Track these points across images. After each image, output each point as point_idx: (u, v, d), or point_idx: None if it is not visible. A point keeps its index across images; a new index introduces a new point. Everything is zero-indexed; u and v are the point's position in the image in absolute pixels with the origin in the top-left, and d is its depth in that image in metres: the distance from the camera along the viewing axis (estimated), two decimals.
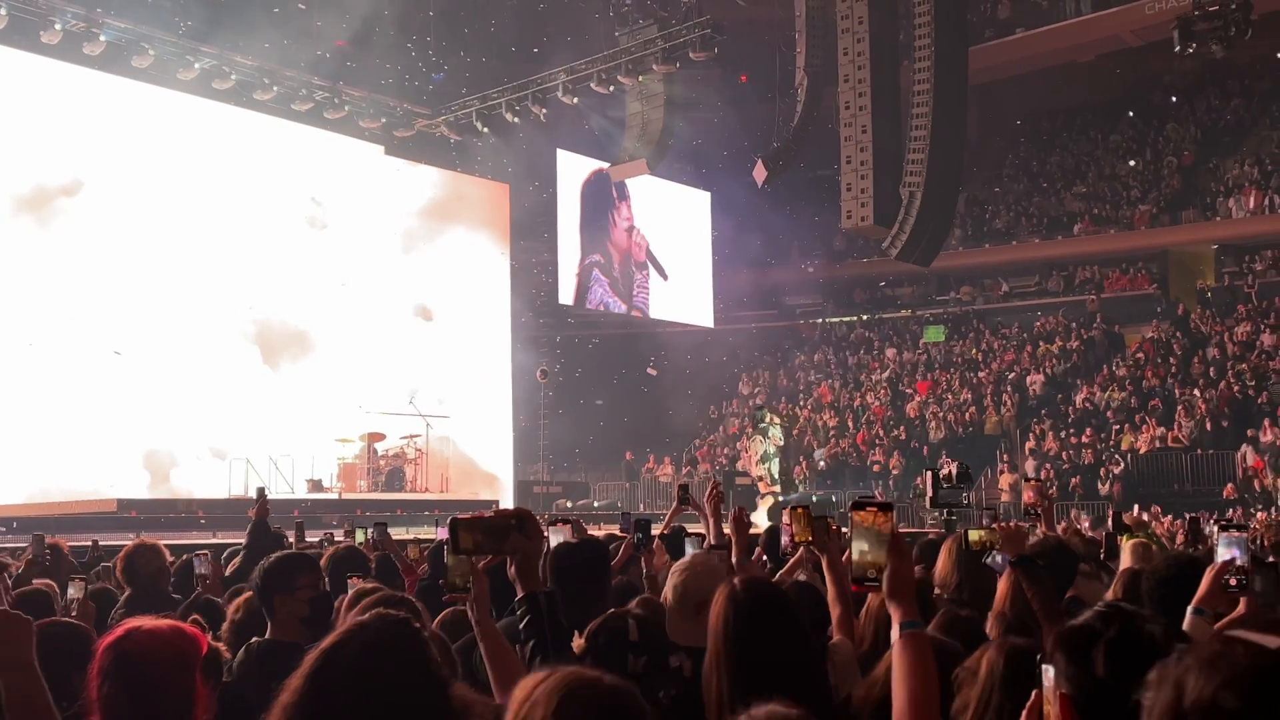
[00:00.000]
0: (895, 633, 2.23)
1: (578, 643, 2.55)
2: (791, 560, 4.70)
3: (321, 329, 21.81)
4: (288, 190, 21.69)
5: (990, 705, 2.61)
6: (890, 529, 2.24)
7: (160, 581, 5.12)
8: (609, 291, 27.27)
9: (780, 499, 21.18)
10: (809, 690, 2.38)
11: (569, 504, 22.42)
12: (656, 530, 5.88)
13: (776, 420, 20.03)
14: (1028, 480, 6.13)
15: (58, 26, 18.08)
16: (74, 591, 4.37)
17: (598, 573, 3.92)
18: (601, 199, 27.21)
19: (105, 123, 19.16)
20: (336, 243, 22.33)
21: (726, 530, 5.72)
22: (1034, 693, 2.12)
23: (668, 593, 3.45)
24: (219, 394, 19.38)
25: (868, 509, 2.25)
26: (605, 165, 23.25)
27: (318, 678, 1.99)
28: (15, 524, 13.75)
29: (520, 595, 2.67)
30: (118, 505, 15.79)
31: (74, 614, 4.17)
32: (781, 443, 20.14)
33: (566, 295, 26.39)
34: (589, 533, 7.11)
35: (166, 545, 5.59)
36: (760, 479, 20.84)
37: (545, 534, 4.38)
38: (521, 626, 2.64)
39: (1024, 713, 2.12)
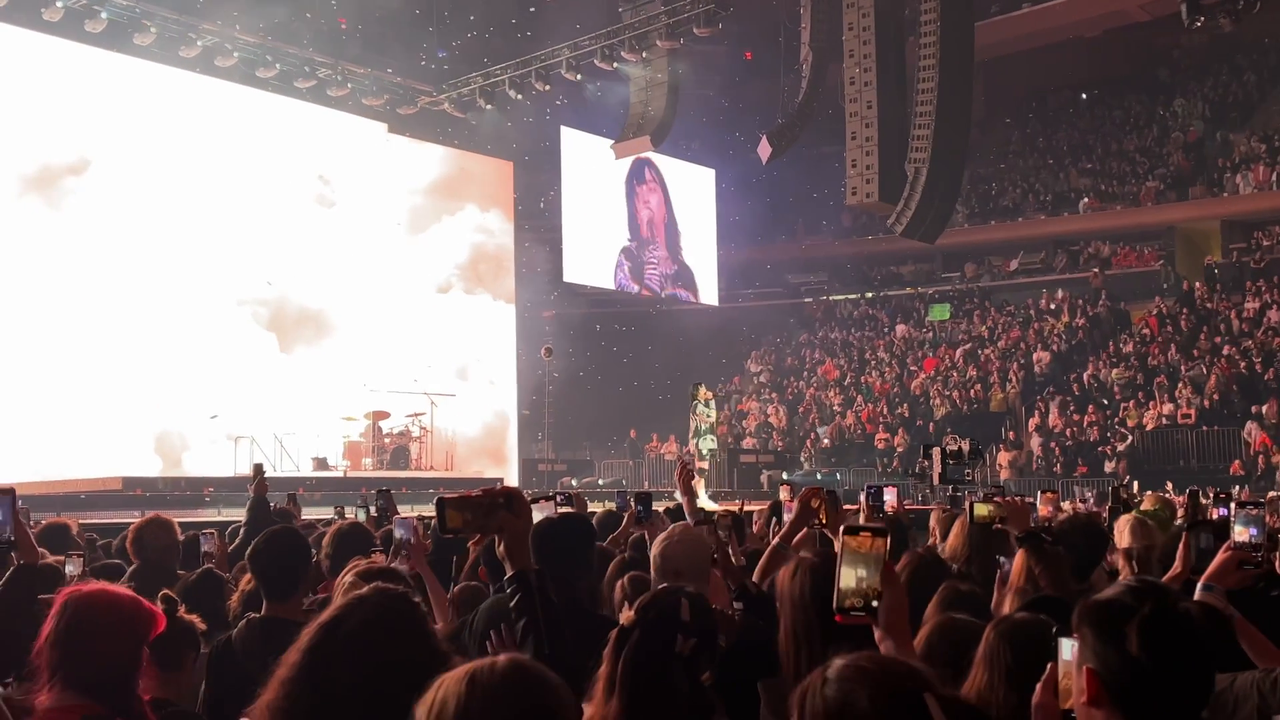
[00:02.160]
0: None
1: (627, 615, 2.52)
2: (795, 538, 4.68)
3: (328, 307, 21.81)
4: (295, 168, 21.65)
5: (980, 677, 2.61)
6: (884, 555, 2.13)
7: (168, 558, 5.11)
8: (628, 277, 27.47)
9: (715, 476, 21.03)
10: None
11: (573, 481, 22.44)
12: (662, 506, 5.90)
13: (710, 396, 19.49)
14: (1044, 493, 6.07)
15: (59, 4, 17.97)
16: (73, 568, 4.36)
17: (580, 547, 3.90)
18: (632, 184, 27.44)
19: (111, 101, 19.09)
20: (343, 221, 22.31)
21: (720, 508, 5.73)
22: (1049, 666, 2.09)
23: (652, 565, 3.51)
24: (227, 373, 19.36)
25: (861, 534, 2.14)
26: (609, 142, 23.13)
27: (317, 652, 1.98)
28: (22, 502, 13.76)
29: (510, 573, 2.66)
30: (123, 483, 15.80)
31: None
32: (711, 419, 19.51)
33: (572, 273, 26.36)
34: (589, 510, 7.15)
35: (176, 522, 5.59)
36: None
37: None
38: (513, 605, 2.63)
39: (1039, 686, 2.09)
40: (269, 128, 21.26)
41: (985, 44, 22.61)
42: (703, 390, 19.57)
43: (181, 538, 5.38)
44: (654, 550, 3.57)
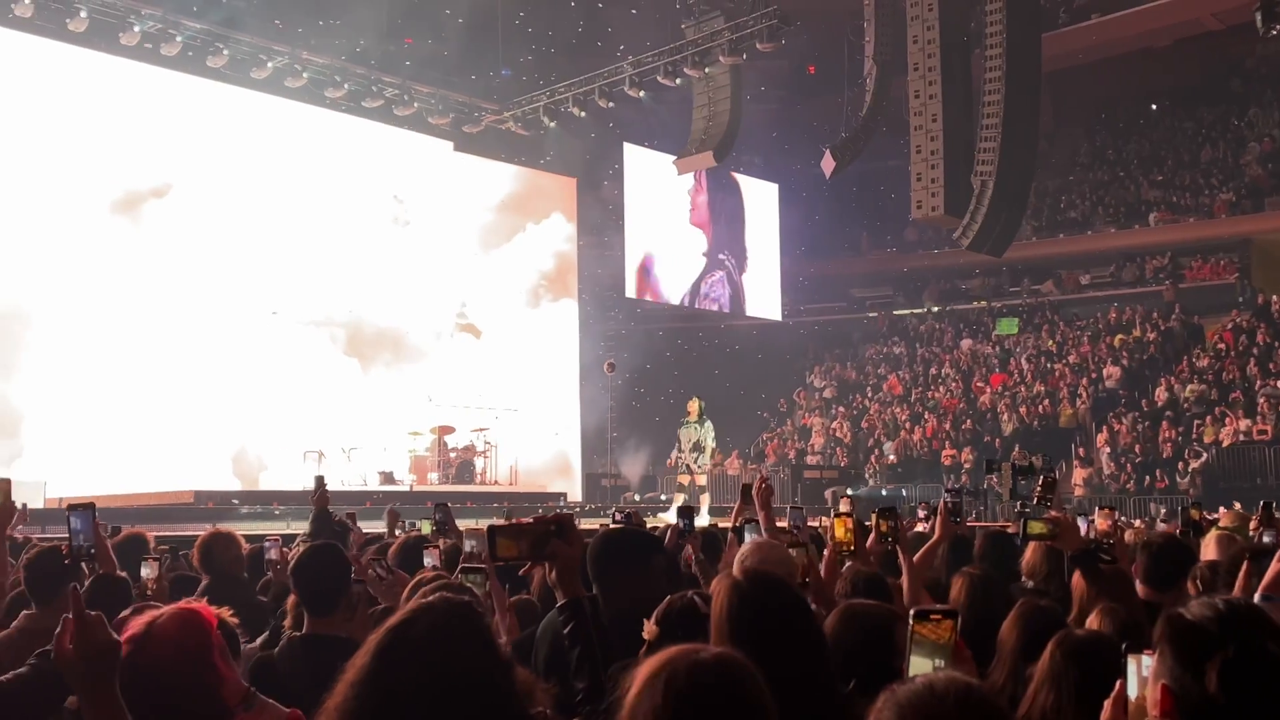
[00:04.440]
0: None
1: (650, 628, 2.51)
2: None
3: (400, 325, 22.18)
4: (367, 188, 22.03)
5: (1045, 697, 2.57)
6: (953, 639, 2.08)
7: (236, 569, 5.21)
8: (691, 293, 27.64)
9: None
10: (814, 682, 2.31)
11: (636, 496, 22.46)
12: (725, 524, 5.89)
13: (693, 412, 18.52)
14: (1101, 509, 5.95)
15: (136, 29, 18.47)
16: (148, 571, 4.43)
17: (639, 558, 3.78)
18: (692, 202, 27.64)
19: (188, 124, 19.55)
20: (415, 239, 22.67)
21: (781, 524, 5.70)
22: (1118, 683, 2.05)
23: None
24: (302, 390, 19.72)
25: (932, 618, 2.09)
26: (672, 158, 23.19)
27: (385, 655, 2.00)
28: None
29: (562, 601, 2.65)
30: (195, 497, 16.11)
31: (150, 593, 4.24)
32: (694, 438, 18.51)
33: (634, 288, 26.46)
34: (646, 525, 7.15)
35: (243, 535, 5.69)
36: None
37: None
38: (566, 633, 2.61)
39: (1107, 703, 2.06)
40: (340, 147, 21.65)
41: (1052, 55, 22.32)
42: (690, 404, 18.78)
43: (246, 549, 5.49)
44: (742, 568, 3.47)
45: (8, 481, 4.42)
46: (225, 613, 2.86)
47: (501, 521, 2.58)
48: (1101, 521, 5.71)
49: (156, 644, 2.43)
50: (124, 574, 4.18)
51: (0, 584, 3.95)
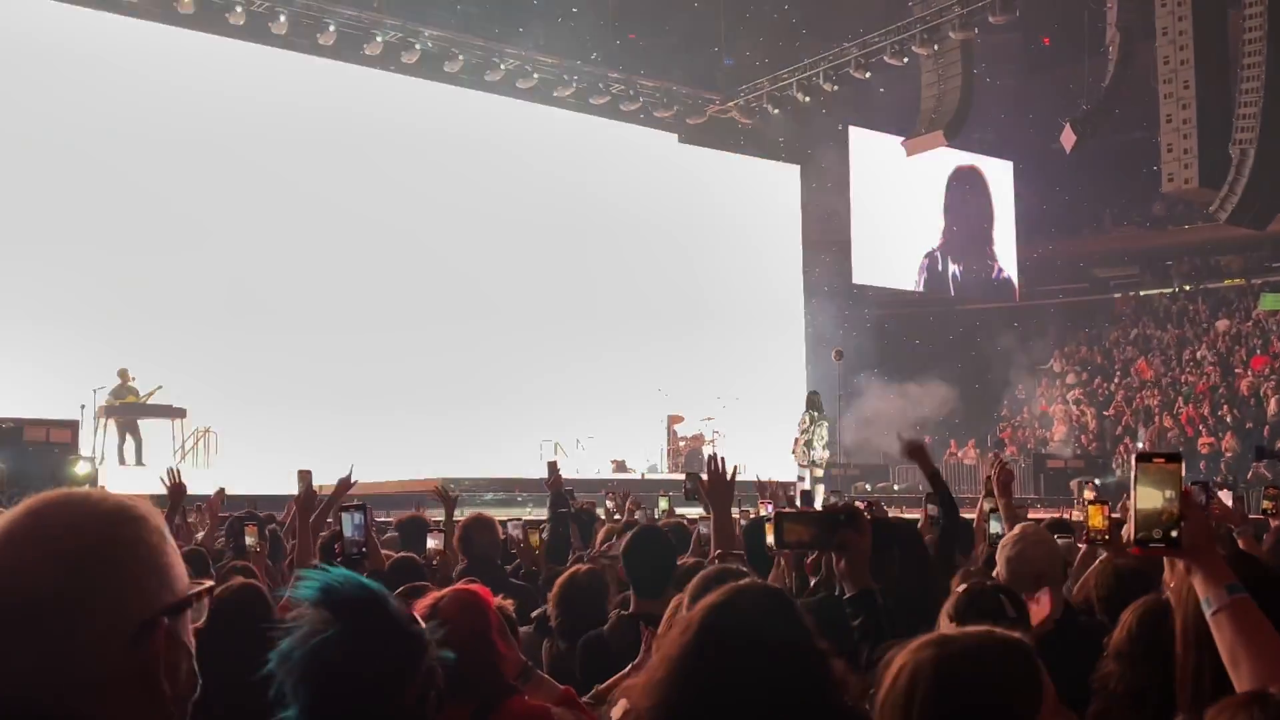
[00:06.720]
0: (1219, 600, 1.85)
1: (948, 626, 2.44)
2: None
3: (635, 315, 22.74)
4: (599, 184, 22.64)
5: None
6: (1179, 480, 1.93)
7: (493, 553, 5.40)
8: (929, 277, 27.34)
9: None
10: None
11: (868, 486, 22.06)
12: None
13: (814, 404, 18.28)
14: None
15: (379, 39, 19.46)
16: (433, 543, 4.66)
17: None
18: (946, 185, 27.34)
19: (436, 127, 20.61)
20: (637, 233, 23.08)
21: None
22: None
23: (1000, 568, 3.32)
24: (543, 383, 20.64)
25: (1154, 460, 1.95)
26: (899, 140, 22.65)
27: (709, 631, 1.99)
28: (354, 501, 14.89)
29: (852, 594, 2.58)
30: (441, 485, 16.82)
31: (435, 563, 4.47)
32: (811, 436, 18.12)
33: (862, 274, 26.04)
34: (888, 515, 7.02)
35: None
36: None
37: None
38: (856, 625, 2.55)
39: None
40: (571, 144, 22.29)
41: None
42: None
43: (503, 536, 5.70)
44: (1006, 554, 3.38)
45: (308, 472, 4.74)
46: (508, 604, 2.97)
47: (790, 509, 2.57)
48: None
49: (439, 626, 2.54)
50: (408, 554, 4.41)
51: (305, 566, 4.23)
